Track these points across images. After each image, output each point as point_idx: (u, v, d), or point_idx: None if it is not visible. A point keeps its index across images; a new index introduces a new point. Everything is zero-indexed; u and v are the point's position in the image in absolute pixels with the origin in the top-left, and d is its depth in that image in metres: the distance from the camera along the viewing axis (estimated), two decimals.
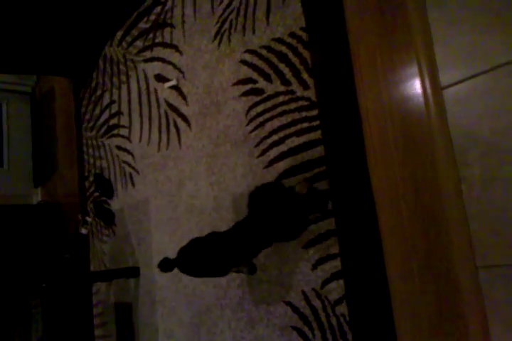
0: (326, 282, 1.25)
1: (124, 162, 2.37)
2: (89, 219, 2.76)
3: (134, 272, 2.20)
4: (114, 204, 2.48)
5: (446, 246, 0.96)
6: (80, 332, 2.69)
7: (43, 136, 3.90)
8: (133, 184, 2.28)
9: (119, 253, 2.41)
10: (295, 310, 1.35)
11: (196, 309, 1.79)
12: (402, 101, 1.05)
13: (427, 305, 1.01)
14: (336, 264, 1.23)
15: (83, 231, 2.74)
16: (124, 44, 2.43)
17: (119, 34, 2.48)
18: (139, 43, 2.26)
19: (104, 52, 2.66)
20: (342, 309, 1.20)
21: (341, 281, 1.21)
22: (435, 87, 0.98)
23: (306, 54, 1.33)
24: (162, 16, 2.07)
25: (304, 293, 1.32)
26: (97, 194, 2.67)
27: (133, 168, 2.28)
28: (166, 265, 1.26)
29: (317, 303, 1.28)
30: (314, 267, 1.29)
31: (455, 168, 0.96)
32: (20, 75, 4.02)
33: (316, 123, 1.29)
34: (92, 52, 2.78)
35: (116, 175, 2.47)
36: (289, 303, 1.37)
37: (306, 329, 1.31)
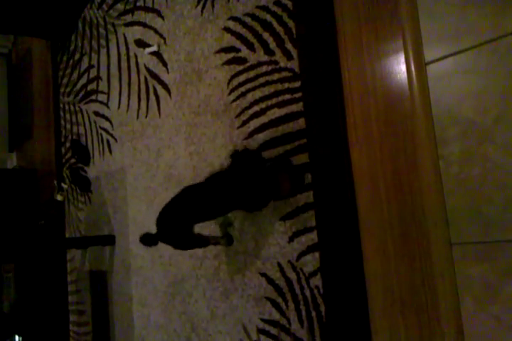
0: (301, 254, 1.26)
1: (102, 128, 2.32)
2: (64, 185, 2.72)
3: (109, 240, 2.19)
4: (91, 171, 2.44)
5: (422, 223, 0.97)
6: (54, 298, 2.69)
7: (19, 100, 3.78)
8: (110, 151, 2.24)
9: (95, 220, 2.39)
10: (270, 281, 1.36)
11: (172, 278, 1.80)
12: (385, 76, 1.04)
13: (400, 280, 1.02)
14: (312, 237, 1.23)
15: (58, 197, 2.70)
16: (104, 6, 2.33)
17: None
18: (120, 6, 2.18)
19: (84, 14, 2.56)
20: (316, 281, 1.22)
21: (317, 254, 1.22)
22: (419, 63, 0.97)
23: (291, 24, 1.29)
24: None
25: (279, 264, 1.33)
26: (73, 160, 2.62)
27: (111, 135, 2.23)
28: (148, 240, 1.26)
29: (292, 275, 1.29)
30: (291, 239, 1.29)
31: (434, 145, 0.96)
32: None
33: (298, 95, 1.27)
34: (71, 14, 2.67)
35: (93, 141, 2.42)
36: (264, 275, 1.38)
37: (280, 300, 1.33)
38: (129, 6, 2.09)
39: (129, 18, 2.10)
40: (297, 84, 1.27)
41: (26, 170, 3.35)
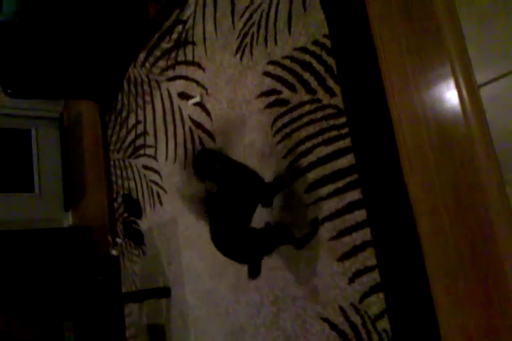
0: (364, 296, 1.19)
1: (152, 181, 2.37)
2: (119, 240, 2.75)
3: (165, 292, 2.17)
4: (143, 224, 2.47)
5: (493, 252, 0.90)
6: None
7: (72, 160, 3.97)
8: (160, 203, 2.27)
9: (150, 273, 2.38)
10: (333, 327, 1.29)
11: (229, 328, 1.74)
12: (436, 103, 1.01)
13: (476, 323, 0.94)
14: (374, 277, 1.17)
15: (113, 252, 2.74)
16: (147, 65, 2.46)
17: (142, 55, 2.51)
18: (162, 63, 2.28)
19: (128, 74, 2.70)
20: (384, 324, 1.13)
21: (381, 294, 1.15)
22: (471, 86, 0.93)
23: (330, 61, 1.30)
24: (183, 35, 2.08)
25: (341, 308, 1.26)
26: (126, 214, 2.67)
27: (160, 186, 2.27)
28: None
29: (356, 319, 1.21)
30: (351, 280, 1.23)
31: (498, 170, 0.90)
32: (48, 101, 4.12)
33: (345, 131, 1.25)
34: (117, 75, 2.83)
35: (144, 194, 2.46)
36: (326, 320, 1.31)
37: None
38: (170, 62, 2.19)
39: (171, 73, 2.19)
40: (342, 120, 1.26)
41: (81, 228, 3.44)
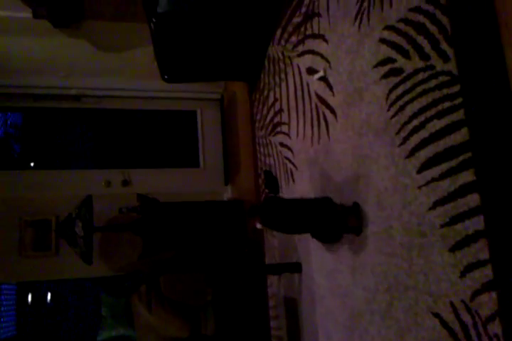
0: (476, 293, 1.03)
1: (286, 158, 2.39)
2: None
3: (296, 267, 2.20)
4: None
5: None
6: (256, 322, 2.81)
7: (229, 138, 4.23)
8: (293, 179, 2.28)
9: (286, 248, 2.44)
10: (444, 324, 1.14)
11: (349, 311, 1.69)
12: None
13: None
14: (487, 273, 0.99)
15: (258, 226, 2.86)
16: (282, 41, 2.45)
17: (278, 32, 2.51)
18: (294, 38, 2.25)
19: (268, 53, 2.73)
20: (495, 328, 0.97)
21: (494, 294, 0.97)
22: None
23: (444, 20, 1.12)
24: (311, 7, 2.01)
25: (452, 304, 1.11)
26: (267, 190, 2.75)
27: (292, 163, 2.28)
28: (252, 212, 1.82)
29: (467, 318, 1.06)
30: (462, 274, 1.07)
31: None
32: (211, 84, 4.41)
33: (458, 101, 1.07)
34: (260, 54, 2.88)
35: (280, 171, 2.50)
36: (437, 315, 1.17)
37: None
38: (300, 36, 2.14)
39: (301, 48, 2.14)
40: (456, 88, 1.08)
41: (235, 201, 3.67)
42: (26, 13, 3.47)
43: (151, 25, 2.69)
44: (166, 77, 2.95)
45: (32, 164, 4.48)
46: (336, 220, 1.66)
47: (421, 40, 1.21)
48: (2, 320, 4.79)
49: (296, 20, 2.20)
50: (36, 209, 3.83)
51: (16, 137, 4.66)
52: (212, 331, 2.44)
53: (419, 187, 1.23)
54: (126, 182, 4.10)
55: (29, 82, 4.02)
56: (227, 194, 4.22)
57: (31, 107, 4.28)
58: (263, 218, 1.71)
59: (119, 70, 4.10)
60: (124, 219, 3.66)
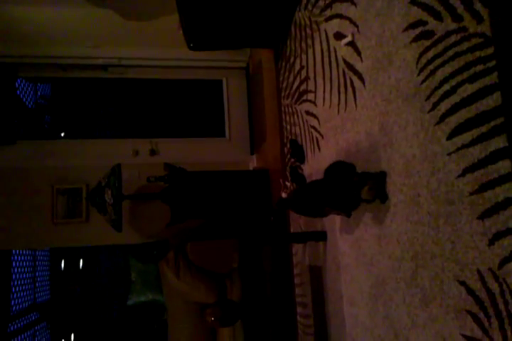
0: (504, 261, 1.01)
1: (312, 127, 2.36)
2: (288, 183, 2.86)
3: (321, 236, 2.21)
4: (306, 169, 2.51)
5: None
6: (282, 289, 2.87)
7: (255, 107, 4.20)
8: (319, 148, 2.26)
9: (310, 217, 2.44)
10: (470, 292, 1.14)
11: (374, 279, 1.69)
12: None
13: None
14: None
15: (282, 195, 2.86)
16: (309, 6, 2.38)
17: None
18: (321, 2, 2.18)
19: (295, 18, 2.66)
20: None
21: None
22: None
23: None
24: None
25: (479, 272, 1.10)
26: (293, 159, 2.74)
27: (318, 132, 2.25)
28: (281, 205, 1.94)
29: (494, 286, 1.05)
30: (491, 243, 1.05)
31: None
32: (237, 52, 4.35)
33: (492, 64, 1.02)
34: (286, 20, 2.81)
35: (306, 140, 2.48)
36: (463, 283, 1.16)
37: (481, 315, 1.10)
38: (328, 0, 2.07)
39: (328, 12, 2.07)
40: (490, 50, 1.03)
41: (261, 171, 3.68)
42: None
43: None
44: (191, 45, 2.92)
45: (62, 134, 4.56)
46: (350, 193, 1.63)
47: (453, 0, 1.15)
48: (37, 285, 5.01)
49: None
50: (67, 178, 3.93)
51: (47, 107, 4.74)
52: (238, 297, 2.50)
53: (449, 154, 1.20)
54: (153, 152, 4.15)
55: (57, 52, 4.06)
56: (253, 163, 4.24)
57: (60, 77, 4.33)
58: (294, 210, 1.87)
59: (145, 40, 4.08)
60: (153, 188, 3.73)
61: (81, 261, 5.54)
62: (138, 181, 3.91)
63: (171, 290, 2.82)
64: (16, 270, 4.33)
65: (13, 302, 4.11)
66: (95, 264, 5.63)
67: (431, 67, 1.26)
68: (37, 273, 5.01)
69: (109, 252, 5.61)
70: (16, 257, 4.37)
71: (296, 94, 2.64)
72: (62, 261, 5.48)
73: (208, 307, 2.29)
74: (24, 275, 4.60)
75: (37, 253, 5.10)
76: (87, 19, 3.78)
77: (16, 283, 4.26)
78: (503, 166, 1.01)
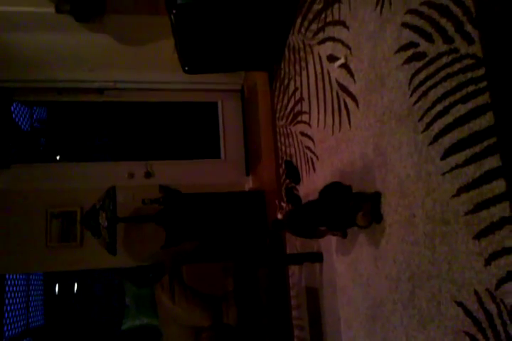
0: (501, 282, 1.00)
1: (307, 147, 2.37)
2: (283, 204, 2.85)
3: (317, 257, 2.19)
4: (301, 190, 2.51)
5: None
6: (278, 311, 2.82)
7: (250, 128, 4.22)
8: (314, 169, 2.26)
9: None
10: (468, 313, 1.12)
11: (371, 301, 1.67)
12: None
13: None
14: None
15: (278, 216, 2.85)
16: (302, 30, 2.42)
17: (299, 21, 2.48)
18: (314, 26, 2.22)
19: (288, 42, 2.70)
20: None
21: None
22: None
23: (468, 1, 1.08)
24: None
25: (476, 293, 1.09)
26: (288, 180, 2.74)
27: (313, 152, 2.26)
28: (277, 226, 2.00)
29: (491, 307, 1.03)
30: (487, 262, 1.05)
31: None
32: (231, 75, 4.40)
33: (483, 84, 1.04)
34: (280, 44, 2.86)
35: (301, 160, 2.49)
36: (460, 304, 1.15)
37: (480, 336, 1.08)
38: (321, 24, 2.11)
39: (321, 35, 2.11)
40: (481, 71, 1.05)
41: (257, 192, 3.67)
42: (49, 8, 3.50)
43: (171, 16, 2.69)
44: (186, 68, 2.96)
45: (58, 157, 4.56)
46: (345, 216, 1.62)
47: (444, 22, 1.18)
48: (31, 309, 4.92)
49: (317, 7, 2.16)
50: (61, 201, 3.91)
51: (42, 131, 4.75)
52: (234, 320, 2.46)
53: (443, 174, 1.20)
54: (149, 174, 4.14)
55: (53, 76, 4.09)
56: (249, 184, 4.23)
57: (56, 101, 4.35)
58: (289, 231, 1.89)
59: (140, 63, 4.13)
60: (147, 211, 3.71)
61: (75, 284, 5.46)
62: (132, 203, 3.89)
63: (166, 314, 2.77)
64: (9, 295, 4.25)
65: (5, 327, 4.02)
66: (90, 288, 5.54)
67: (423, 88, 1.28)
68: (31, 298, 4.92)
69: (103, 275, 5.54)
70: (9, 281, 4.30)
71: (291, 115, 2.66)
72: (57, 285, 5.40)
73: (203, 332, 2.25)
74: (17, 300, 4.52)
75: (31, 277, 5.02)
76: (82, 43, 3.82)
77: (9, 308, 4.18)
78: (497, 186, 1.01)
